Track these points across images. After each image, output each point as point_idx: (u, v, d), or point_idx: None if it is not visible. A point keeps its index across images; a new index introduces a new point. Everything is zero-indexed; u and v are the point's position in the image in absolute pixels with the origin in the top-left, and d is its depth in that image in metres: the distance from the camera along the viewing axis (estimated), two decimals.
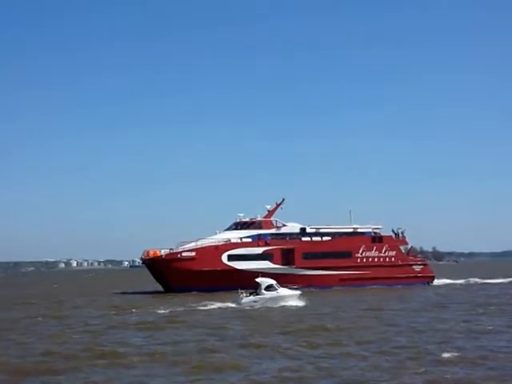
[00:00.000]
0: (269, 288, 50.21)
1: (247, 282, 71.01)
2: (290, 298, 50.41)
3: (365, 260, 77.56)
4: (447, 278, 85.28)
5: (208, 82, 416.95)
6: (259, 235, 74.83)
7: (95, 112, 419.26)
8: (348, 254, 76.82)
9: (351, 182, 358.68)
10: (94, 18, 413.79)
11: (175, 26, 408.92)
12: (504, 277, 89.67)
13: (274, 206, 78.21)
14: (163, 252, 73.51)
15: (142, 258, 75.01)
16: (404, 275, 77.67)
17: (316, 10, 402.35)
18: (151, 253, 73.54)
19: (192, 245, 73.37)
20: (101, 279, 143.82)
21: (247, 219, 76.40)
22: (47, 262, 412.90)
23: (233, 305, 49.75)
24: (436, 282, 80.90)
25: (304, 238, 76.33)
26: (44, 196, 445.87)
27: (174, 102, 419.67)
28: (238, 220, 76.63)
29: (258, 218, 76.50)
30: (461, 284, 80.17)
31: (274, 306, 48.10)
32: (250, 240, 74.26)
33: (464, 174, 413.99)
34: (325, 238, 77.11)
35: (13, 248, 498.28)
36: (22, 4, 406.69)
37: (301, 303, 49.20)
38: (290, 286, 54.61)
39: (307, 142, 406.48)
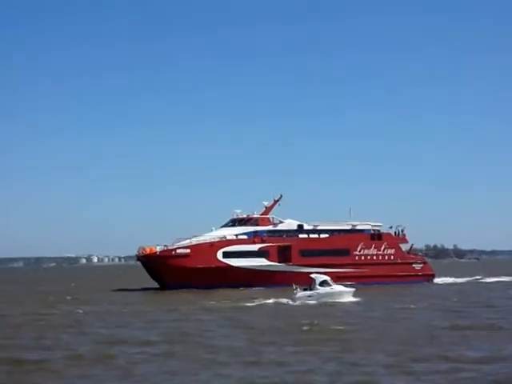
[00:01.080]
0: (323, 284, 50.27)
1: (243, 279, 71.21)
2: (345, 294, 50.50)
3: (363, 258, 76.57)
4: (449, 277, 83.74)
5: (208, 81, 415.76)
6: (255, 232, 74.16)
7: (95, 111, 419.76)
8: (346, 252, 75.91)
9: (354, 180, 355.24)
10: (94, 18, 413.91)
11: (175, 25, 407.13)
12: None
13: (272, 202, 77.48)
14: (158, 249, 73.18)
15: (136, 255, 74.65)
16: (403, 273, 76.52)
17: (319, 13, 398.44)
18: (147, 250, 73.23)
19: (187, 242, 72.88)
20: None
21: (244, 216, 75.72)
22: (69, 258, 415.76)
23: (286, 300, 49.75)
24: (437, 280, 79.66)
25: (301, 235, 75.56)
26: (65, 193, 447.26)
27: (174, 102, 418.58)
28: (234, 216, 76.01)
29: (255, 215, 75.79)
30: (461, 283, 78.74)
31: (329, 301, 48.07)
32: (245, 237, 73.63)
33: (486, 171, 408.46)
34: (322, 235, 76.27)
35: (35, 243, 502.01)
36: (22, 3, 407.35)
37: (355, 299, 49.31)
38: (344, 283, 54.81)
39: (308, 141, 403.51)
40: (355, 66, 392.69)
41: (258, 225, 74.87)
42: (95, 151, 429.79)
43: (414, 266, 78.40)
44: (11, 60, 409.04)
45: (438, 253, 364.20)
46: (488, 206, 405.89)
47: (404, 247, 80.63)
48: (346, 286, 52.75)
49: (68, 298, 60.78)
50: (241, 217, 75.65)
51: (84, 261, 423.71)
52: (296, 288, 50.50)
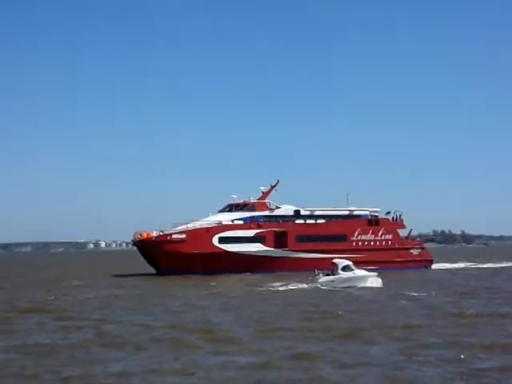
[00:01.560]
0: (345, 268, 50.11)
1: (239, 265, 70.90)
2: (367, 278, 50.11)
3: (360, 243, 76.16)
4: (447, 263, 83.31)
5: (209, 67, 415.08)
6: (252, 217, 73.81)
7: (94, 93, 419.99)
8: (343, 238, 75.50)
9: (354, 166, 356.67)
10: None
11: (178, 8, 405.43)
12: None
13: (269, 187, 77.09)
14: (155, 234, 72.94)
15: (132, 240, 74.41)
16: (401, 259, 76.09)
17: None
18: (144, 235, 73.01)
19: (183, 227, 72.60)
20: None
21: (240, 201, 75.37)
22: (76, 243, 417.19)
23: (308, 285, 49.98)
24: (435, 266, 79.21)
25: (298, 221, 75.16)
26: (73, 177, 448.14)
27: (173, 85, 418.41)
28: (231, 202, 75.70)
29: (251, 200, 75.41)
30: (457, 269, 78.20)
31: (351, 286, 47.96)
32: (241, 222, 73.28)
33: (494, 157, 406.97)
34: (319, 221, 75.84)
35: (42, 229, 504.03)
36: None
37: (378, 284, 48.97)
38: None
39: (305, 127, 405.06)
40: (354, 52, 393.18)
41: (254, 210, 74.48)
42: (101, 134, 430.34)
43: (411, 251, 77.90)
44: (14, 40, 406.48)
45: (445, 238, 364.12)
46: (496, 191, 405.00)
47: (402, 233, 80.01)
48: (368, 270, 52.69)
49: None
50: (237, 202, 75.33)
51: (92, 246, 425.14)
52: (318, 273, 50.90)
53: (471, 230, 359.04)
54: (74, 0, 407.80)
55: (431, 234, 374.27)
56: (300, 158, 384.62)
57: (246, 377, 18.66)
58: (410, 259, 77.00)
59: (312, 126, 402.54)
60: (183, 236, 71.48)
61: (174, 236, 71.52)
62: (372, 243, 76.43)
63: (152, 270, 73.09)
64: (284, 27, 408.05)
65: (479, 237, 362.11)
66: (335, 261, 51.58)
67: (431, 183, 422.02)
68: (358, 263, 72.56)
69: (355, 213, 77.72)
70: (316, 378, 18.43)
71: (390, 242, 77.09)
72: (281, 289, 49.12)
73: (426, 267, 77.07)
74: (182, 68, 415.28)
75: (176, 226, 73.67)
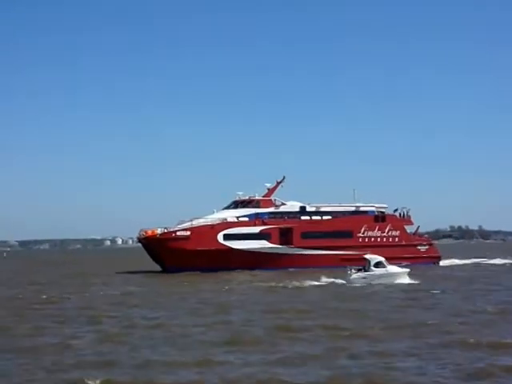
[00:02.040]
0: (378, 265, 50.01)
1: (244, 261, 70.61)
2: (400, 275, 49.98)
3: (367, 240, 75.56)
4: (456, 259, 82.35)
5: (209, 66, 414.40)
6: (257, 214, 73.41)
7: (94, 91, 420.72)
8: (349, 234, 74.95)
9: (365, 163, 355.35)
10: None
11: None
12: None
13: (274, 184, 76.65)
14: (160, 231, 72.74)
15: (137, 238, 74.26)
16: (408, 255, 75.10)
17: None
18: (149, 232, 72.86)
19: (188, 224, 72.38)
20: None
21: (245, 198, 74.98)
22: (93, 240, 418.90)
23: (340, 281, 49.95)
24: (444, 262, 78.43)
25: (303, 217, 74.67)
26: (89, 176, 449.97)
27: (175, 83, 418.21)
28: (236, 199, 75.32)
29: (257, 197, 75.00)
30: (465, 264, 77.28)
31: (384, 283, 47.68)
32: (246, 219, 72.93)
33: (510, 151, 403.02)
34: (325, 217, 75.32)
35: (60, 226, 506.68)
36: None
37: (411, 281, 48.85)
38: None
39: (310, 126, 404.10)
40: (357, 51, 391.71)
41: (259, 207, 74.10)
42: (101, 134, 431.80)
43: (419, 247, 77.24)
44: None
45: (462, 234, 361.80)
46: None
47: (410, 229, 79.33)
48: (400, 266, 52.48)
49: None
50: (242, 199, 74.95)
51: (108, 243, 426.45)
52: (350, 269, 50.57)
53: (488, 226, 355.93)
54: (73, 0, 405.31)
55: (448, 229, 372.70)
56: (305, 154, 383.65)
57: None
58: (418, 256, 76.23)
59: (315, 123, 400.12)
60: (188, 233, 71.21)
61: (178, 233, 71.25)
62: (379, 239, 75.82)
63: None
64: (284, 27, 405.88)
65: (496, 232, 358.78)
66: (367, 257, 51.31)
67: (448, 179, 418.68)
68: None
69: (361, 209, 77.10)
70: None
71: (396, 239, 76.47)
72: (314, 283, 49.59)
73: (433, 263, 76.34)
74: (182, 67, 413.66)
75: (181, 224, 73.48)
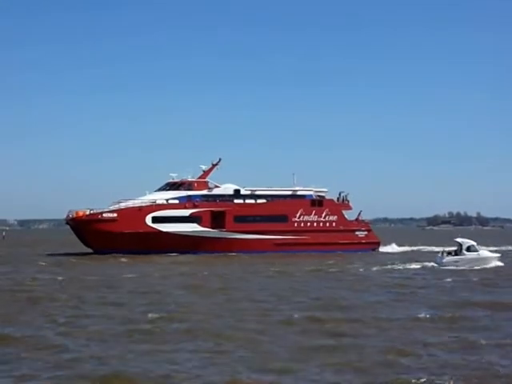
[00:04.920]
0: (469, 249, 49.85)
1: (173, 245, 69.11)
2: (491, 259, 50.07)
3: (302, 224, 73.73)
4: (398, 246, 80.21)
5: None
6: (189, 196, 71.68)
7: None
8: (284, 218, 73.13)
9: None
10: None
11: None
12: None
13: (210, 166, 74.81)
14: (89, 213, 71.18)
15: (65, 219, 72.70)
16: (346, 241, 73.58)
17: None
18: (80, 213, 71.33)
19: (116, 206, 70.84)
20: None
21: (178, 180, 73.22)
22: None
23: (431, 264, 50.24)
24: (384, 249, 76.54)
25: (237, 201, 72.88)
26: (88, 155, 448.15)
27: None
28: (170, 180, 73.59)
29: (189, 179, 73.21)
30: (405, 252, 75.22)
31: (475, 267, 47.53)
32: (177, 201, 71.21)
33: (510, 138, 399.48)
34: (259, 201, 73.49)
35: (59, 206, 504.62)
36: None
37: (501, 264, 49.21)
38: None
39: (252, 111, 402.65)
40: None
41: (192, 189, 72.35)
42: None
43: (357, 233, 75.29)
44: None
45: (461, 220, 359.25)
46: None
47: (351, 215, 77.47)
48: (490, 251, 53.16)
49: None
50: (175, 181, 73.19)
51: None
52: (442, 253, 50.76)
53: (487, 213, 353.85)
54: None
55: (447, 216, 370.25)
56: (244, 137, 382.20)
57: None
58: (356, 241, 74.49)
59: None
60: (115, 215, 69.61)
61: (104, 215, 69.65)
62: (315, 224, 73.96)
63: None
64: (288, 11, 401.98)
65: (494, 219, 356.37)
66: (459, 240, 51.12)
67: (447, 166, 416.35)
68: (300, 245, 71.54)
69: (299, 193, 75.22)
70: None
71: (334, 224, 74.56)
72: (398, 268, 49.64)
73: (372, 250, 74.53)
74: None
75: (112, 205, 71.96)
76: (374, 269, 48.86)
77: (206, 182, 73.58)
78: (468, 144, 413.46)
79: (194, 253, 67.97)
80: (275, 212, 72.66)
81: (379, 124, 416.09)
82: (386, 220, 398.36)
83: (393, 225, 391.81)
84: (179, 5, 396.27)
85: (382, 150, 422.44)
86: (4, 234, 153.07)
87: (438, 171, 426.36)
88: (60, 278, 41.95)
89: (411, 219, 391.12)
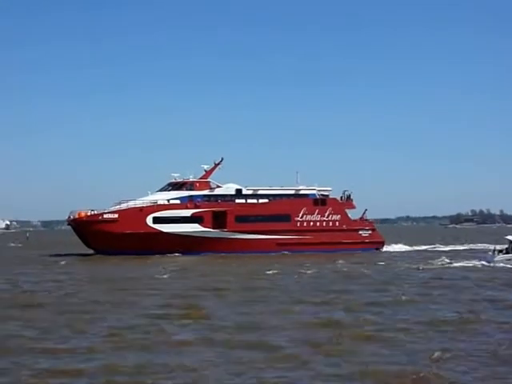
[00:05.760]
0: None
1: (174, 245, 68.89)
2: None
3: (305, 224, 73.07)
4: (404, 244, 79.45)
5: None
6: (191, 197, 71.40)
7: None
8: (286, 218, 72.49)
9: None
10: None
11: None
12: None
13: (212, 166, 74.48)
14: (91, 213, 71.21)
15: (66, 220, 72.79)
16: (349, 240, 72.83)
17: None
18: (82, 214, 71.43)
19: (117, 207, 70.80)
20: None
21: (179, 180, 72.96)
22: None
23: (482, 263, 49.66)
24: (389, 248, 75.80)
25: (238, 200, 72.45)
26: (111, 156, 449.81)
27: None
28: (171, 181, 73.37)
29: (191, 179, 72.95)
30: (411, 251, 74.53)
31: None
32: (178, 201, 70.96)
33: None
34: (261, 201, 73.00)
35: (81, 207, 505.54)
36: None
37: None
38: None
39: (253, 110, 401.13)
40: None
41: (193, 189, 72.06)
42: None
43: (360, 232, 74.44)
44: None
45: (484, 218, 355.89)
46: None
47: (355, 214, 76.75)
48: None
49: None
50: (176, 181, 72.92)
51: None
52: (494, 250, 50.68)
53: (510, 210, 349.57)
54: None
55: (470, 214, 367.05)
56: (247, 137, 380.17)
57: None
58: (359, 241, 73.67)
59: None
60: (115, 216, 69.55)
61: (105, 216, 69.64)
62: (318, 224, 73.29)
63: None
64: (288, 11, 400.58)
65: None
66: (510, 238, 50.59)
67: (469, 162, 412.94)
68: (303, 245, 70.95)
69: (302, 192, 74.60)
70: None
71: (337, 223, 73.82)
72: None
73: (376, 249, 73.74)
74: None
75: (114, 206, 71.95)
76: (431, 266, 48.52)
77: (208, 182, 73.24)
78: (490, 141, 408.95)
79: (196, 253, 67.66)
80: (277, 211, 72.10)
81: (396, 122, 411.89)
82: (408, 218, 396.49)
83: (415, 223, 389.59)
84: (179, 5, 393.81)
85: (403, 149, 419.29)
86: (28, 234, 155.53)
87: (461, 169, 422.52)
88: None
89: (434, 217, 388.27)
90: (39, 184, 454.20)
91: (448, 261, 52.27)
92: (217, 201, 71.84)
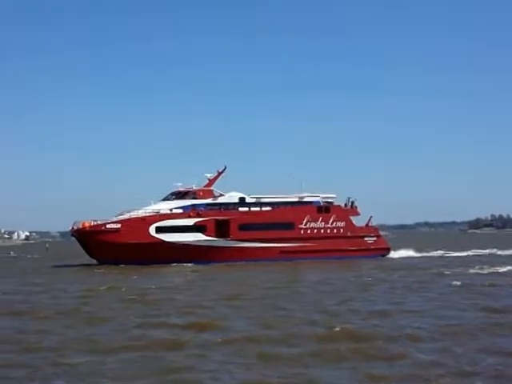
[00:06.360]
0: None
1: (177, 255, 68.71)
2: None
3: (309, 231, 72.58)
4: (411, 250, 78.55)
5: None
6: (193, 205, 71.18)
7: None
8: (290, 225, 72.05)
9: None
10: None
11: None
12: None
13: (215, 174, 74.28)
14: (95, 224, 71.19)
15: (70, 230, 72.78)
16: (354, 247, 72.34)
17: None
18: (85, 224, 71.45)
19: (120, 217, 70.72)
20: None
21: (182, 189, 72.77)
22: None
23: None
24: (395, 254, 75.07)
25: (241, 209, 72.11)
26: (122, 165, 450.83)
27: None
28: (174, 190, 73.22)
29: (193, 188, 72.79)
30: (418, 257, 73.80)
31: None
32: (181, 211, 70.75)
33: None
34: (264, 208, 72.64)
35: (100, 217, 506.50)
36: None
37: None
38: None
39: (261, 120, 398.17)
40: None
41: (196, 198, 71.86)
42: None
43: (365, 239, 73.86)
44: None
45: (504, 223, 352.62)
46: None
47: (360, 221, 76.11)
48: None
49: None
50: (179, 190, 72.77)
51: None
52: None
53: None
54: None
55: (489, 218, 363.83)
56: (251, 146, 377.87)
57: None
58: (364, 248, 73.11)
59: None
60: (118, 226, 69.43)
61: (108, 226, 69.57)
62: (322, 231, 72.79)
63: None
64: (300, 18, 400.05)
65: None
66: None
67: (488, 167, 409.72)
68: (307, 252, 70.52)
69: (306, 199, 74.13)
70: None
71: (342, 230, 73.27)
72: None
73: (382, 256, 73.10)
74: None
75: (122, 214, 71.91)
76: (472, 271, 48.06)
77: (211, 191, 73.04)
78: (508, 144, 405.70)
79: (201, 262, 67.35)
80: (281, 219, 71.71)
81: (414, 129, 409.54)
82: (426, 224, 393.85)
83: (433, 229, 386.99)
84: (185, 12, 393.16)
85: (421, 154, 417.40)
86: (47, 245, 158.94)
87: (480, 173, 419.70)
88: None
89: (453, 223, 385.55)
90: (55, 195, 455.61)
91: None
92: (220, 209, 71.54)
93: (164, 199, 72.85)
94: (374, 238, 74.40)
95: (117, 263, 66.76)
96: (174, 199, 71.98)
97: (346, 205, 75.02)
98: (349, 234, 73.15)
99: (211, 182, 73.81)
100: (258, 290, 38.56)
